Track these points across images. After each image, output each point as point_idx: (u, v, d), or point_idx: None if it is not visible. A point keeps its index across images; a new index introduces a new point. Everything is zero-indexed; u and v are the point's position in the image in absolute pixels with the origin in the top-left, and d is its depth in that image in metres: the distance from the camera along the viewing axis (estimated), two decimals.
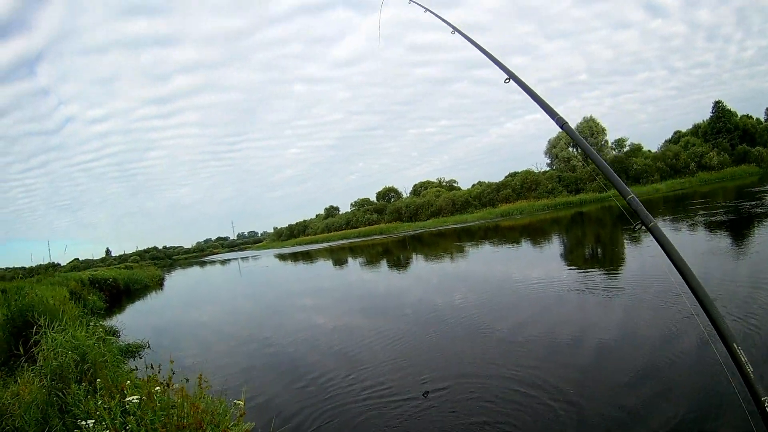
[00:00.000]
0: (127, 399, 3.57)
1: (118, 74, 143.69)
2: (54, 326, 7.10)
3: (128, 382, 4.77)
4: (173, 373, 4.41)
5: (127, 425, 3.31)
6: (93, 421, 3.28)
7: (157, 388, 4.05)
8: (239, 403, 4.18)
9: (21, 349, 6.05)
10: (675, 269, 2.37)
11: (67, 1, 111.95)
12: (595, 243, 20.50)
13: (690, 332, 6.75)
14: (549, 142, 63.50)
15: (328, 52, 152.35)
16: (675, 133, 63.52)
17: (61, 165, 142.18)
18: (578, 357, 6.78)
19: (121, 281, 31.15)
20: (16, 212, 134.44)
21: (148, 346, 10.95)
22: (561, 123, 3.42)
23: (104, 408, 3.44)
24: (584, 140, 3.23)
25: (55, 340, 5.37)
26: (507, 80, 3.71)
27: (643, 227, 2.71)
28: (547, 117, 3.24)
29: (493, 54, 3.90)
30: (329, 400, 6.51)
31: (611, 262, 14.93)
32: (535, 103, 3.46)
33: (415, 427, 5.30)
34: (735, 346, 2.00)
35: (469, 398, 5.87)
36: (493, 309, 10.66)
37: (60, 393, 4.36)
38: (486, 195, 62.69)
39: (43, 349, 5.24)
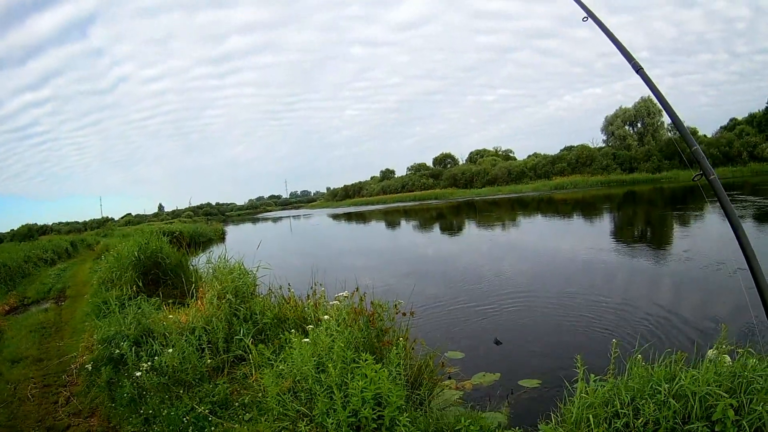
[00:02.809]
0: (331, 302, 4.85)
1: (174, 34, 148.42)
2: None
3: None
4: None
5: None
6: (327, 316, 4.52)
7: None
8: (400, 302, 5.38)
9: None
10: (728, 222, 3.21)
11: None
12: (644, 223, 20.82)
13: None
14: (606, 119, 62.36)
15: (388, 15, 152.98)
16: (731, 120, 60.08)
17: (115, 123, 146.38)
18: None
19: (186, 234, 33.30)
20: (69, 169, 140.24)
21: None
22: (637, 68, 3.82)
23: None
24: (659, 90, 3.80)
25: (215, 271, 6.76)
26: (585, 19, 4.18)
27: (704, 179, 3.33)
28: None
29: None
30: None
31: (661, 240, 15.52)
32: (613, 45, 3.97)
33: None
34: None
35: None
36: (540, 277, 11.53)
37: (239, 306, 5.71)
38: (541, 167, 62.60)
39: (218, 277, 6.63)
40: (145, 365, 5.35)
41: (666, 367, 3.24)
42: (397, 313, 5.27)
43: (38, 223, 70.02)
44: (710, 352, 3.38)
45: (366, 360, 3.74)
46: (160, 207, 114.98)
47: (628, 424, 2.98)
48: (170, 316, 6.71)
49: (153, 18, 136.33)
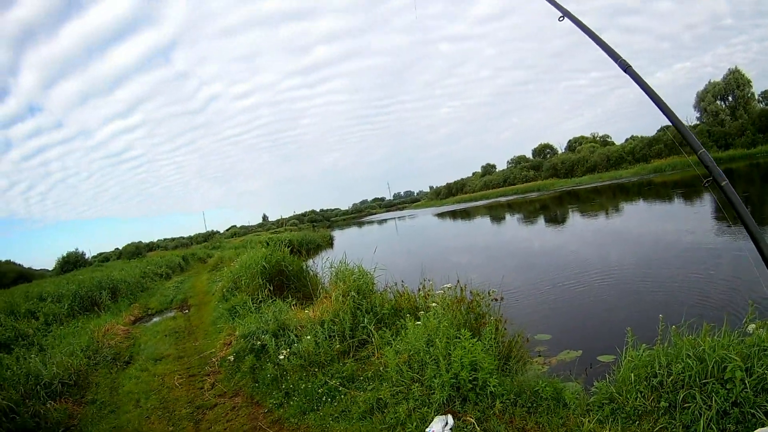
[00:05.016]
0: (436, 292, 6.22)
1: (259, 50, 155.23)
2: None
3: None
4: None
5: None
6: (435, 303, 5.88)
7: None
8: (494, 291, 6.50)
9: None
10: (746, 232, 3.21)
11: None
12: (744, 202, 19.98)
13: None
14: (697, 94, 58.55)
15: (470, 10, 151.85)
16: None
17: (210, 141, 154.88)
18: None
19: (295, 242, 36.00)
20: (168, 188, 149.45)
21: None
22: (624, 66, 3.63)
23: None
24: (650, 87, 3.53)
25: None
26: (561, 18, 3.98)
27: (715, 184, 3.34)
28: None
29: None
30: None
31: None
32: (596, 44, 3.74)
33: None
34: None
35: None
36: (632, 261, 12.07)
37: (361, 301, 7.18)
38: (639, 150, 60.26)
39: (342, 277, 8.15)
40: (285, 351, 6.76)
41: (696, 336, 4.13)
42: (492, 300, 6.40)
43: (143, 241, 75.82)
44: (750, 327, 4.19)
45: (464, 335, 4.93)
46: (264, 217, 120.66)
47: (662, 382, 3.93)
48: (306, 311, 8.23)
49: (235, 37, 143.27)
